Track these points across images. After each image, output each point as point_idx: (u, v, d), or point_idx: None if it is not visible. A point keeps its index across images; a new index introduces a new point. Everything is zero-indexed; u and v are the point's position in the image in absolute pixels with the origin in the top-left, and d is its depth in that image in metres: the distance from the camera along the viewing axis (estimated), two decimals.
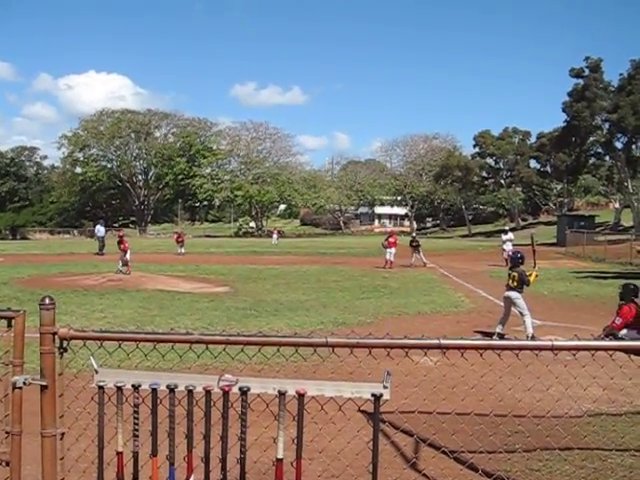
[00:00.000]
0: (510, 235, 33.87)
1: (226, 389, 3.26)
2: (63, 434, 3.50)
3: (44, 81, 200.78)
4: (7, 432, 3.54)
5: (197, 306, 16.97)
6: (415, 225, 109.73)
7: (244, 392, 3.26)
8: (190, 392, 3.29)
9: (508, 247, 32.25)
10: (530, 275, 13.16)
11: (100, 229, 45.42)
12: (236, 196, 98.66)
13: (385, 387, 3.22)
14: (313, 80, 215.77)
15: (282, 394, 3.24)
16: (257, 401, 3.37)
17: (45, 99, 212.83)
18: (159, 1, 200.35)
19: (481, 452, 5.41)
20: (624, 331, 11.53)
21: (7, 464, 3.55)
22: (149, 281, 23.47)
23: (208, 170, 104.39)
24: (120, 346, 3.45)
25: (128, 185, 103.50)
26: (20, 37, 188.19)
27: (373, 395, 3.22)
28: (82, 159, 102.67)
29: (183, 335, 3.35)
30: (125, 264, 27.07)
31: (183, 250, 41.92)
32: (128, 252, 27.48)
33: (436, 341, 3.22)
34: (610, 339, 11.46)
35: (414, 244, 32.74)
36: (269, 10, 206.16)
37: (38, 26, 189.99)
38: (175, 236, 44.95)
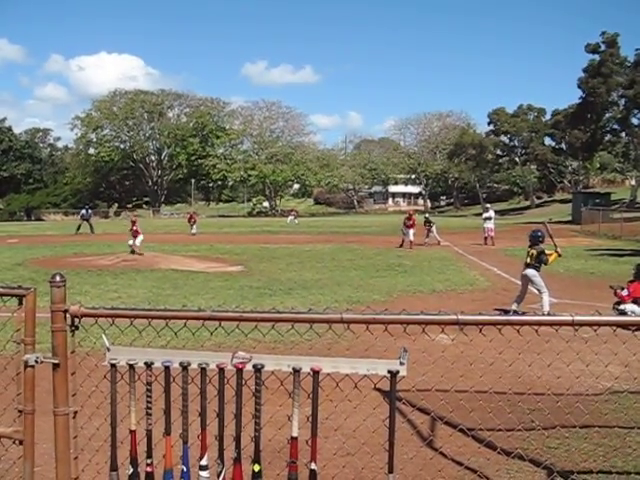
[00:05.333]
0: (491, 213, 33.48)
1: (240, 366, 3.20)
2: (76, 412, 3.46)
3: (55, 62, 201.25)
4: (20, 411, 3.51)
5: (211, 285, 16.96)
6: (429, 204, 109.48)
7: (258, 369, 3.20)
8: (203, 370, 3.23)
9: (488, 225, 32.45)
10: (551, 255, 12.98)
11: (83, 212, 48.51)
12: (250, 176, 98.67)
13: (401, 364, 3.15)
14: (325, 59, 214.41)
15: (297, 371, 3.18)
16: (271, 379, 3.31)
17: (56, 80, 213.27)
18: None
19: (499, 430, 5.34)
20: (631, 306, 11.53)
21: (21, 442, 3.52)
22: (163, 261, 23.51)
23: (221, 150, 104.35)
24: (132, 324, 3.39)
25: (141, 166, 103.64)
26: (30, 19, 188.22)
27: (389, 372, 3.15)
28: (95, 140, 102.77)
29: (195, 312, 3.28)
30: (132, 252, 26.18)
31: (195, 230, 41.97)
32: (139, 237, 26.69)
33: (454, 317, 3.14)
34: (615, 312, 11.46)
35: (428, 223, 32.89)
36: None
37: (48, 7, 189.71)
38: (188, 216, 45.21)
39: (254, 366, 3.20)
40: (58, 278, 3.36)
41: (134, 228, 26.90)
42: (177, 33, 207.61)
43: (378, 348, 3.87)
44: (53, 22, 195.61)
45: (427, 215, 36.14)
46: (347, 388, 3.38)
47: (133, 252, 26.02)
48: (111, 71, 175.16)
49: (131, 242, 26.66)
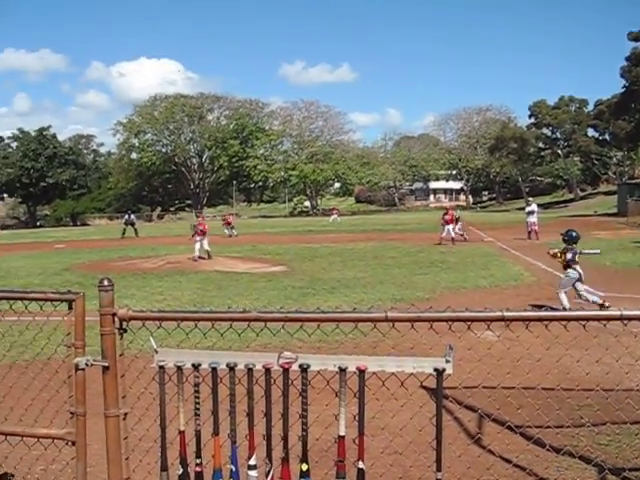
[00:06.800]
0: (533, 207, 33.03)
1: (286, 366, 3.23)
2: (126, 414, 3.53)
3: (96, 69, 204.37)
4: (72, 413, 3.59)
5: (255, 286, 17.05)
6: (471, 199, 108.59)
7: (304, 369, 3.22)
8: (250, 370, 3.27)
9: (531, 219, 32.03)
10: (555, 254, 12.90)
11: (127, 216, 49.18)
12: (290, 176, 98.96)
13: (447, 361, 3.15)
14: (362, 57, 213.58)
15: (342, 370, 3.20)
16: (317, 378, 3.33)
17: (98, 87, 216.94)
18: None
19: (548, 427, 5.28)
20: None
21: (73, 444, 3.60)
22: (207, 262, 23.70)
23: (261, 151, 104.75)
24: (179, 326, 3.44)
25: (183, 169, 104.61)
26: (71, 28, 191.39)
27: (435, 370, 3.15)
28: (137, 145, 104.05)
29: (241, 313, 3.32)
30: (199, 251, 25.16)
31: (235, 232, 41.89)
32: (205, 239, 25.39)
33: (499, 313, 3.12)
34: None
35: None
36: None
37: (88, 14, 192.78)
38: (224, 221, 45.13)
39: (300, 366, 3.23)
40: (106, 282, 3.43)
41: (204, 227, 25.79)
42: (214, 36, 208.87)
43: (423, 346, 3.85)
44: (93, 30, 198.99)
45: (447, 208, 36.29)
46: (393, 386, 3.37)
47: (210, 256, 25.15)
48: (151, 76, 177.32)
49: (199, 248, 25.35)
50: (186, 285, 17.55)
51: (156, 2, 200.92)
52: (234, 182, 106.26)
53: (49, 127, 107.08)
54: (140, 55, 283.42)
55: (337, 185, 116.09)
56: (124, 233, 45.35)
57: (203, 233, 25.51)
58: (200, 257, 24.92)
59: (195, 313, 3.44)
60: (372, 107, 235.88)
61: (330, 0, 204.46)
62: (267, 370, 3.25)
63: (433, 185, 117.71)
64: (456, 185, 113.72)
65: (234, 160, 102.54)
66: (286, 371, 3.24)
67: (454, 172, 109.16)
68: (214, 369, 3.30)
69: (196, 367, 3.33)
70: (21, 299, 3.76)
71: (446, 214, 31.20)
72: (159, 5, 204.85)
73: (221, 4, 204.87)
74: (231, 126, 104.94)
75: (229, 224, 42.66)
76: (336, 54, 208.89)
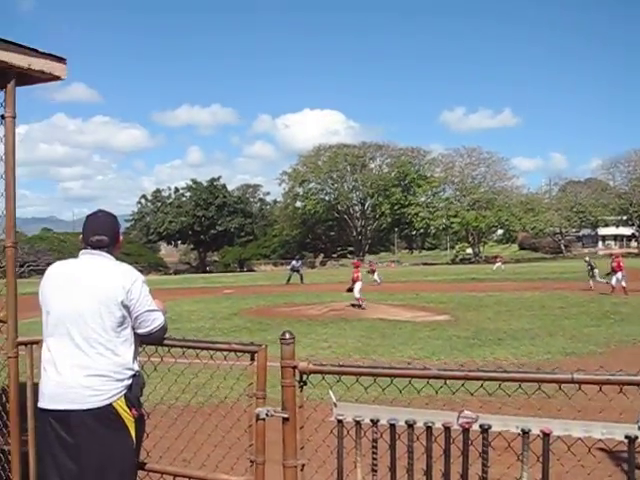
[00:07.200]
0: None
1: (466, 426, 3.17)
2: (303, 465, 3.58)
3: (263, 122, 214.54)
4: (252, 461, 3.69)
5: (418, 335, 16.90)
6: None
7: (485, 430, 3.14)
8: (429, 428, 3.23)
9: None
10: None
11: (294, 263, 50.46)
12: (452, 223, 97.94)
13: None
14: (524, 101, 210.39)
15: (525, 433, 3.09)
16: (498, 439, 3.23)
17: (264, 138, 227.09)
18: (363, 39, 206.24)
19: None
20: None
21: None
22: (370, 310, 23.79)
23: (423, 198, 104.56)
24: (357, 380, 3.47)
25: (345, 216, 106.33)
26: (240, 82, 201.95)
27: (627, 437, 2.98)
28: (302, 193, 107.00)
29: (421, 370, 3.30)
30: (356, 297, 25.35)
31: (378, 279, 41.59)
32: (358, 283, 25.72)
33: None
34: None
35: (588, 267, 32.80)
36: (473, 33, 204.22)
37: (255, 70, 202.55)
38: (369, 267, 45.23)
39: (481, 426, 3.15)
40: (287, 335, 3.55)
41: (355, 276, 26.01)
42: (375, 86, 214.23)
43: (613, 410, 3.66)
44: (260, 84, 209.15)
45: (587, 259, 35.22)
46: (580, 452, 3.22)
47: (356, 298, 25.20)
48: (314, 126, 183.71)
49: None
50: (350, 333, 17.69)
51: (318, 56, 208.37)
52: (396, 229, 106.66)
53: (219, 177, 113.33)
54: (304, 107, 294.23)
55: (500, 232, 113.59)
56: (289, 279, 46.60)
57: (354, 281, 25.84)
58: (359, 301, 25.09)
59: (374, 368, 3.46)
60: (535, 152, 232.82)
61: (488, 46, 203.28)
62: (447, 429, 3.20)
63: (602, 231, 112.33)
64: (627, 231, 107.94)
65: (396, 207, 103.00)
66: (466, 431, 3.17)
67: (624, 217, 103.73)
68: (392, 426, 3.30)
69: (374, 423, 3.34)
70: (207, 349, 3.95)
71: (613, 261, 29.74)
72: (322, 59, 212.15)
73: (379, 56, 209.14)
74: (393, 174, 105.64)
75: (374, 271, 42.74)
76: (497, 99, 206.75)
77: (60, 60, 4.32)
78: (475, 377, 3.17)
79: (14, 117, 4.18)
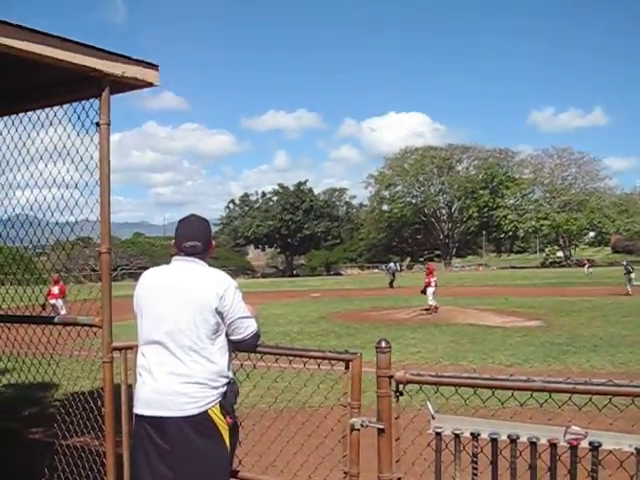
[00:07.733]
0: None
1: (574, 443, 2.98)
2: (399, 479, 3.46)
3: (349, 126, 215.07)
4: (345, 472, 3.60)
5: (510, 341, 16.48)
6: None
7: (595, 447, 2.94)
8: (533, 444, 3.06)
9: None
10: None
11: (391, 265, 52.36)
12: (542, 225, 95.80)
13: None
14: (617, 99, 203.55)
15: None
16: (609, 457, 3.03)
17: (350, 142, 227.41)
18: (445, 39, 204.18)
19: None
20: None
21: None
22: (459, 314, 23.42)
23: (511, 201, 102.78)
24: (457, 391, 3.33)
25: (432, 219, 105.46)
26: (325, 86, 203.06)
27: None
28: (388, 197, 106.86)
29: (524, 382, 3.12)
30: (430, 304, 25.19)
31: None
32: (429, 288, 25.50)
33: None
34: None
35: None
36: (562, 32, 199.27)
37: (341, 74, 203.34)
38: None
39: (590, 443, 2.96)
40: (384, 344, 3.45)
41: (427, 277, 26.06)
42: (461, 87, 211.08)
43: None
44: (346, 88, 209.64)
45: (625, 262, 36.07)
46: None
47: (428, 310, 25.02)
48: (399, 129, 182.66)
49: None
50: (439, 338, 17.42)
51: (401, 58, 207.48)
52: (483, 232, 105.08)
53: (306, 181, 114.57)
54: (389, 110, 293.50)
55: (592, 234, 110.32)
56: (392, 282, 46.58)
57: (426, 286, 25.73)
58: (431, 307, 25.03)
59: (474, 379, 3.30)
60: (629, 150, 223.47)
61: (576, 43, 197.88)
62: (552, 445, 3.02)
63: None
64: None
65: (484, 210, 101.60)
66: (574, 448, 2.98)
67: None
68: (494, 440, 3.14)
69: (475, 436, 3.19)
70: (300, 356, 3.88)
71: None
72: (406, 61, 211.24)
73: (465, 56, 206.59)
74: (480, 176, 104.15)
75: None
76: (588, 98, 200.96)
77: (153, 67, 4.35)
78: (584, 391, 2.98)
79: (109, 124, 4.23)
